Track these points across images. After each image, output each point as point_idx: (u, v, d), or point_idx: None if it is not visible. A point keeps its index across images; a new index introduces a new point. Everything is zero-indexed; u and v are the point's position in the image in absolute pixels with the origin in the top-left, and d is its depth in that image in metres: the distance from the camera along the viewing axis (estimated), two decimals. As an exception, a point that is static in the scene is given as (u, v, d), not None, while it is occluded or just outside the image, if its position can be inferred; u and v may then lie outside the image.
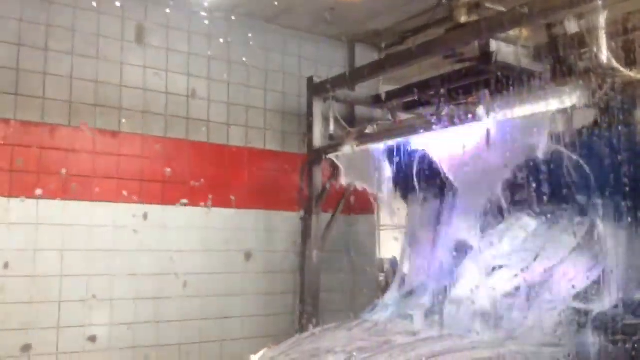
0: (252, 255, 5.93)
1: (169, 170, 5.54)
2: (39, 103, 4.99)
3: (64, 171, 5.02)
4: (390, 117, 6.24)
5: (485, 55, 4.55)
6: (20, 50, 4.95)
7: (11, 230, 4.78)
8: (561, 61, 4.31)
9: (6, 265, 4.72)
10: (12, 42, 4.92)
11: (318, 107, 5.77)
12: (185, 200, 5.60)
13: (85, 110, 5.18)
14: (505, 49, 4.57)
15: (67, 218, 5.00)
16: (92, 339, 5.00)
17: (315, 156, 5.67)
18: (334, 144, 5.37)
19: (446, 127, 3.98)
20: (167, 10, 5.63)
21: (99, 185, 5.17)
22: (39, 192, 4.90)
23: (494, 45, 4.57)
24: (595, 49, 3.60)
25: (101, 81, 5.27)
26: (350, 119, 6.33)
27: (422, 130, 4.11)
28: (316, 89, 5.79)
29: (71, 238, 5.01)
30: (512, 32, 4.57)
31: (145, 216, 5.38)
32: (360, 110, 6.62)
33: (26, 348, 4.72)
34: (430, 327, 3.70)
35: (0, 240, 4.73)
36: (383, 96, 5.74)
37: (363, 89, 6.23)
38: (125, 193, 5.29)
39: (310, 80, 5.86)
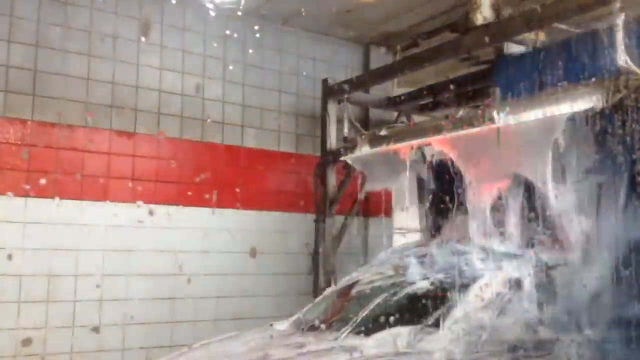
0: (264, 256, 5.94)
1: (183, 171, 5.57)
2: (56, 104, 5.03)
3: (79, 172, 5.07)
4: (405, 119, 6.24)
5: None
6: (38, 51, 5.00)
7: (27, 229, 4.83)
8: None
9: (22, 264, 4.77)
10: (29, 43, 4.98)
11: (332, 110, 5.77)
12: (199, 201, 5.62)
13: (102, 111, 5.22)
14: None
15: (82, 218, 5.04)
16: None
17: (329, 158, 5.67)
18: (348, 146, 5.36)
19: (461, 129, 3.95)
20: (183, 12, 5.66)
21: (114, 185, 5.21)
22: (54, 192, 4.95)
23: (509, 47, 4.57)
24: (612, 51, 3.56)
25: (117, 82, 5.31)
26: (364, 122, 6.33)
27: (437, 133, 4.09)
28: (331, 91, 5.79)
29: (87, 238, 5.05)
30: (528, 35, 4.56)
31: (159, 216, 5.41)
32: (374, 113, 6.62)
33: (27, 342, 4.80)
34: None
35: (17, 240, 4.77)
36: (399, 98, 5.72)
37: (376, 92, 6.22)
38: (140, 194, 5.32)
39: (325, 82, 5.86)
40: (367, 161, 5.15)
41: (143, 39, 5.41)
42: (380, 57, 6.62)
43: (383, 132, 4.66)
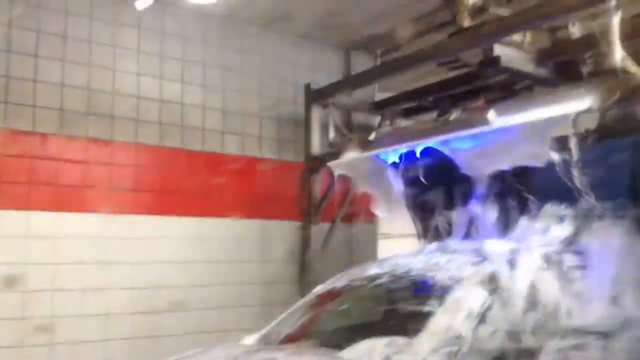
0: (247, 265, 5.79)
1: (162, 179, 5.39)
2: (29, 111, 4.81)
3: (54, 182, 4.85)
4: (388, 123, 6.17)
5: (489, 60, 4.49)
6: (10, 57, 4.78)
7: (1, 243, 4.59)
8: (567, 65, 4.29)
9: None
10: (0, 49, 4.75)
11: (316, 115, 5.66)
12: (180, 210, 5.44)
13: (77, 118, 5.02)
14: (510, 54, 4.51)
15: (58, 230, 4.82)
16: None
17: (313, 164, 5.56)
18: (334, 151, 5.26)
19: (453, 132, 3.89)
20: (162, 16, 5.50)
21: (91, 195, 5.00)
22: (29, 203, 4.72)
23: (498, 49, 4.52)
24: (606, 51, 3.55)
25: (93, 88, 5.11)
26: (347, 127, 6.24)
27: (430, 136, 4.02)
28: (314, 96, 5.69)
29: (63, 251, 4.82)
30: (516, 37, 4.53)
31: (137, 227, 5.21)
32: (356, 117, 6.54)
33: None
34: None
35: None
36: (382, 102, 5.65)
37: (358, 96, 6.14)
38: (117, 203, 5.13)
39: (307, 87, 5.76)
40: (354, 166, 5.07)
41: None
42: (361, 62, 6.55)
43: (372, 137, 4.56)
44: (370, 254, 6.30)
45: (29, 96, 4.82)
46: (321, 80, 5.89)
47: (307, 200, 5.59)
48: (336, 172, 5.19)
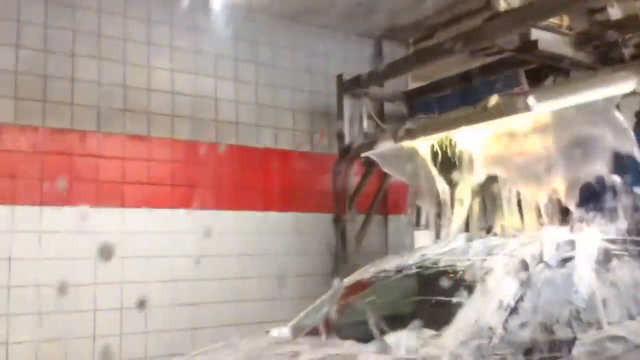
0: (283, 258, 5.80)
1: (197, 174, 5.43)
2: (67, 109, 4.89)
3: (94, 178, 4.92)
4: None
5: (527, 44, 4.40)
6: (47, 56, 4.86)
7: (42, 239, 4.68)
8: (607, 48, 4.17)
9: (36, 274, 4.62)
10: (38, 48, 4.83)
11: (348, 105, 5.63)
12: (216, 204, 5.48)
13: (114, 115, 5.08)
14: (547, 38, 4.41)
15: (98, 226, 4.90)
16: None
17: (347, 155, 5.53)
18: (368, 142, 5.23)
19: (492, 119, 3.82)
20: (193, 12, 5.53)
21: (129, 191, 5.07)
22: (70, 200, 4.80)
23: (535, 33, 4.42)
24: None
25: (129, 85, 5.17)
26: (380, 117, 6.19)
27: (466, 124, 3.95)
28: (346, 87, 5.66)
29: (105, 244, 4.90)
30: (553, 20, 4.43)
31: (174, 221, 5.26)
32: (388, 108, 6.48)
33: None
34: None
35: (33, 249, 4.63)
36: (415, 92, 5.58)
37: (390, 86, 6.09)
38: (154, 198, 5.19)
39: (339, 78, 5.73)
40: (388, 157, 5.03)
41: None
42: (393, 51, 6.49)
43: (407, 126, 4.51)
44: (406, 246, 6.25)
45: (66, 94, 4.90)
46: (353, 71, 5.86)
47: (341, 192, 5.56)
48: (370, 163, 5.16)
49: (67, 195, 4.79)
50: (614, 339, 3.18)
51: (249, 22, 5.84)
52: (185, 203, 5.33)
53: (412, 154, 4.52)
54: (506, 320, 2.93)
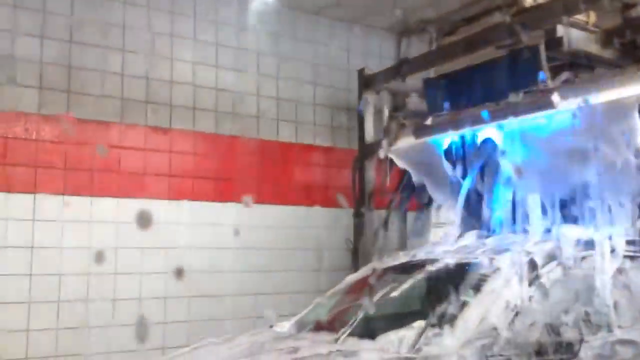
0: (302, 252, 5.81)
1: (218, 167, 5.46)
2: (92, 100, 4.94)
3: (116, 169, 4.97)
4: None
5: (552, 41, 4.33)
6: (72, 48, 4.91)
7: (65, 228, 4.74)
8: (635, 45, 4.09)
9: (57, 263, 4.68)
10: (63, 39, 4.88)
11: (369, 101, 5.59)
12: (236, 197, 5.50)
13: (137, 107, 5.12)
14: (574, 34, 4.34)
15: (120, 215, 4.95)
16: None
17: (367, 151, 5.50)
18: (388, 138, 5.18)
19: (514, 116, 3.77)
20: (216, 5, 5.55)
21: (150, 182, 5.11)
22: (92, 190, 4.86)
23: (561, 30, 4.35)
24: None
25: (152, 77, 5.20)
26: (401, 113, 6.14)
27: (488, 121, 3.91)
28: (367, 82, 5.62)
29: (124, 236, 4.95)
30: (580, 17, 4.35)
31: (195, 213, 5.31)
32: (410, 103, 6.43)
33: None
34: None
35: (55, 237, 4.69)
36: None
37: (411, 82, 6.04)
38: (176, 190, 5.22)
39: (360, 72, 5.69)
40: (408, 153, 4.99)
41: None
42: (415, 46, 6.44)
43: (428, 122, 4.48)
44: (423, 242, 6.21)
45: (90, 85, 4.95)
46: (374, 66, 5.83)
47: (360, 187, 5.55)
48: (390, 159, 5.13)
49: (89, 185, 4.85)
50: (625, 342, 3.12)
51: (271, 16, 5.85)
52: (205, 195, 5.36)
53: (433, 150, 4.47)
54: (512, 321, 2.89)
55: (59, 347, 4.63)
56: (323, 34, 6.18)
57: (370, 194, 5.52)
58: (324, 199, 5.94)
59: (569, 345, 2.87)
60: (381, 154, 5.04)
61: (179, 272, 5.15)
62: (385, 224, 5.51)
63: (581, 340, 2.91)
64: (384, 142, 4.97)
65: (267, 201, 5.66)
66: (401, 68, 5.49)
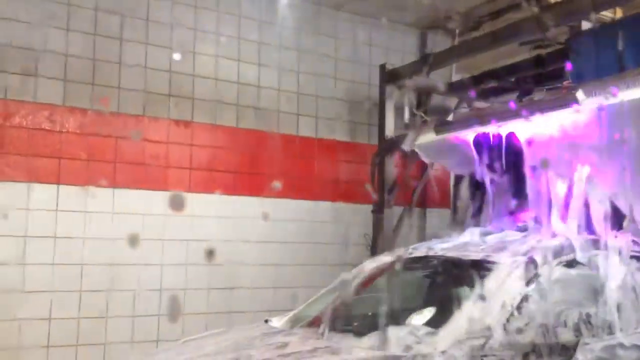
0: (320, 247, 5.82)
1: (239, 161, 5.49)
2: (115, 93, 4.99)
3: (138, 161, 5.02)
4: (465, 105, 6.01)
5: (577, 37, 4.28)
6: (96, 40, 4.96)
7: (87, 219, 4.81)
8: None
9: (80, 253, 4.75)
10: (88, 32, 4.94)
11: (390, 96, 5.58)
12: (255, 191, 5.53)
13: (159, 101, 5.17)
14: (599, 31, 4.28)
15: (141, 207, 5.00)
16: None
17: (387, 146, 5.49)
18: (409, 133, 5.15)
19: (539, 113, 3.73)
20: (239, 0, 5.56)
21: (171, 174, 5.16)
22: (115, 181, 4.92)
23: (586, 26, 4.30)
24: None
25: (174, 71, 5.24)
26: (422, 108, 6.12)
27: (512, 118, 3.87)
28: (388, 77, 5.61)
29: (146, 227, 5.00)
30: (606, 13, 4.30)
31: (215, 206, 5.34)
32: (431, 99, 6.39)
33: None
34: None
35: (78, 229, 4.76)
36: (460, 83, 5.49)
37: (434, 77, 6.00)
38: (196, 183, 5.26)
39: (382, 67, 5.68)
40: (430, 149, 4.96)
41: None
42: (438, 42, 6.39)
43: (450, 118, 4.45)
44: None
45: (114, 78, 5.00)
46: (396, 62, 5.81)
47: (380, 183, 5.54)
48: (410, 155, 5.10)
49: (112, 176, 4.90)
50: (626, 346, 3.02)
51: (293, 10, 5.84)
52: (225, 188, 5.39)
53: (456, 146, 4.44)
54: (507, 321, 2.82)
55: (80, 336, 4.72)
56: (344, 29, 6.16)
57: (389, 190, 5.51)
58: (343, 193, 5.93)
59: (564, 348, 2.80)
60: (405, 147, 4.99)
61: (205, 261, 5.21)
62: (403, 220, 5.50)
63: (578, 343, 2.84)
64: (409, 137, 4.93)
65: (285, 195, 5.67)
66: (425, 63, 5.47)
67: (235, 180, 5.46)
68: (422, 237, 6.25)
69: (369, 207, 5.74)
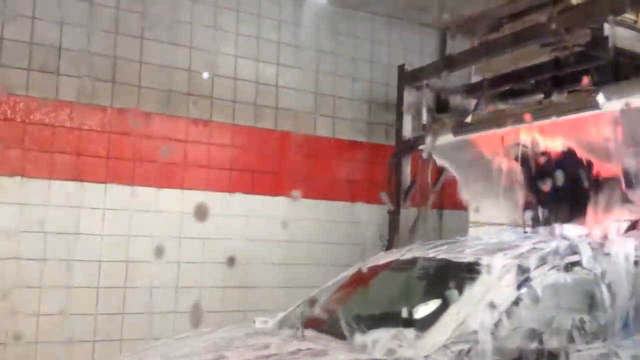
0: (336, 247, 5.82)
1: (256, 160, 5.51)
2: (135, 91, 5.04)
3: (157, 159, 5.07)
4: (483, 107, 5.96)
5: (598, 40, 4.22)
6: (117, 39, 5.02)
7: (106, 215, 4.86)
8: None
9: (98, 249, 4.81)
10: (109, 31, 4.99)
11: (409, 97, 5.56)
12: (272, 190, 5.56)
13: (179, 99, 5.21)
14: (621, 33, 4.22)
15: (158, 205, 5.05)
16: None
17: (404, 147, 5.47)
18: (427, 135, 5.14)
19: (558, 115, 3.70)
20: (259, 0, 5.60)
21: (190, 173, 5.20)
22: (134, 179, 4.97)
23: (608, 29, 4.24)
24: None
25: (194, 70, 5.28)
26: (442, 110, 6.09)
27: (531, 120, 3.84)
28: (407, 78, 5.58)
29: (162, 225, 5.05)
30: (628, 15, 4.23)
31: (232, 205, 5.37)
32: (450, 100, 6.36)
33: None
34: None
35: (96, 226, 4.81)
36: (480, 85, 5.45)
37: (453, 79, 5.97)
38: (214, 182, 5.30)
39: (401, 68, 5.66)
40: (448, 151, 4.93)
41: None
42: (457, 43, 6.36)
43: (468, 119, 4.42)
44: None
45: (134, 76, 5.05)
46: (414, 62, 5.78)
47: (396, 184, 5.52)
48: (428, 156, 5.08)
49: (131, 174, 4.96)
50: (619, 354, 2.96)
51: (312, 10, 5.86)
52: (242, 188, 5.42)
53: (473, 147, 4.41)
54: (495, 326, 2.75)
55: (97, 332, 4.78)
56: (363, 29, 6.15)
57: (406, 190, 5.49)
58: (361, 194, 5.93)
59: (553, 355, 2.70)
60: (424, 152, 4.96)
61: (221, 259, 5.25)
62: (419, 221, 5.48)
63: (567, 350, 2.75)
64: (427, 139, 4.91)
65: (303, 195, 5.69)
66: (443, 65, 5.44)
67: (252, 179, 5.48)
68: (439, 239, 6.22)
69: (385, 208, 5.72)
